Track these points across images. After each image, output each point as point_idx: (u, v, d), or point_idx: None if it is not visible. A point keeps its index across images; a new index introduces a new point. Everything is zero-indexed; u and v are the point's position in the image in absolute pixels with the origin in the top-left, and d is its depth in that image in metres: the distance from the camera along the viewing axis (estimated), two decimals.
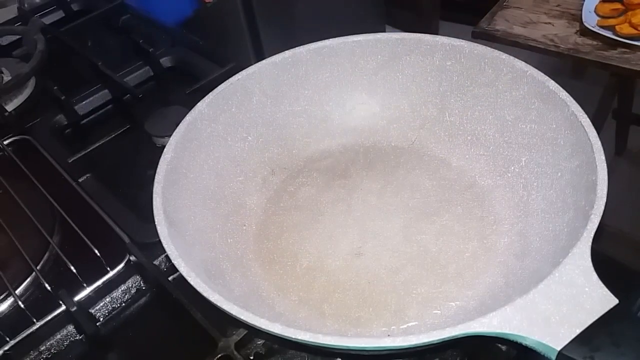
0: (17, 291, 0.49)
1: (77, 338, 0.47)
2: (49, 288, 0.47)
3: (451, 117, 0.53)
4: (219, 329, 0.42)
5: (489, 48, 0.50)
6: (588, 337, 0.32)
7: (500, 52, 0.49)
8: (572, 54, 0.73)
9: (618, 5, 0.75)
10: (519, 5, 0.82)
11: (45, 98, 0.70)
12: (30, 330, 0.45)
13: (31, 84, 0.73)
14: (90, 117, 0.69)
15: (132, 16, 0.82)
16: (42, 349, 0.46)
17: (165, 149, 0.47)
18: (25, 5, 0.87)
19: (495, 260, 0.45)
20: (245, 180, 0.53)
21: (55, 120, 0.67)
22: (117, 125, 0.65)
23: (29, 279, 0.50)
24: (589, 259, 0.35)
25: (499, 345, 0.40)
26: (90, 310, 0.48)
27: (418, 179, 0.52)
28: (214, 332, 0.42)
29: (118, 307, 0.49)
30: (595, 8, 0.76)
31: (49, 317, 0.46)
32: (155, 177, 0.45)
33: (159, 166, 0.45)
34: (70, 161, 0.60)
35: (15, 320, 0.47)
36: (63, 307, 0.46)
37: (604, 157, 0.40)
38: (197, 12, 1.11)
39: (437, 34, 0.52)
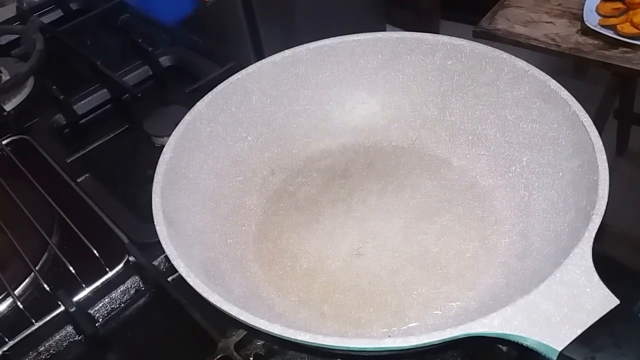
0: (16, 292, 0.49)
1: (76, 339, 0.47)
2: (47, 288, 0.47)
3: (452, 116, 0.53)
4: (219, 330, 0.42)
5: (490, 47, 0.50)
6: (589, 338, 0.32)
7: (501, 51, 0.49)
8: (573, 54, 0.72)
9: (619, 5, 0.75)
10: (520, 5, 0.81)
11: (43, 97, 0.70)
12: (29, 330, 0.45)
13: (30, 83, 0.73)
14: (89, 116, 0.68)
15: (131, 15, 0.82)
16: (41, 349, 0.46)
17: (164, 149, 0.47)
18: (24, 5, 0.87)
19: (496, 261, 0.45)
20: (245, 180, 0.52)
21: (54, 119, 0.67)
22: (116, 125, 0.65)
23: (27, 280, 0.50)
24: (590, 259, 0.35)
25: (500, 346, 0.40)
26: (89, 311, 0.47)
27: (419, 179, 0.52)
28: (214, 333, 0.42)
29: (117, 307, 0.48)
30: (597, 7, 0.76)
31: (48, 318, 0.46)
32: (155, 177, 0.44)
33: (158, 166, 0.45)
34: (69, 161, 0.60)
35: (14, 320, 0.47)
36: (62, 308, 0.46)
37: (605, 157, 0.40)
38: (196, 11, 1.11)
39: (438, 33, 0.52)
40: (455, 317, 0.42)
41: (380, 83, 0.55)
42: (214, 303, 0.36)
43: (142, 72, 0.71)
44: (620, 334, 0.32)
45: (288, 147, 0.55)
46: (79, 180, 0.57)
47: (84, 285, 0.48)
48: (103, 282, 0.48)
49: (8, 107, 0.69)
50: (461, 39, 0.51)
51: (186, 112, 0.49)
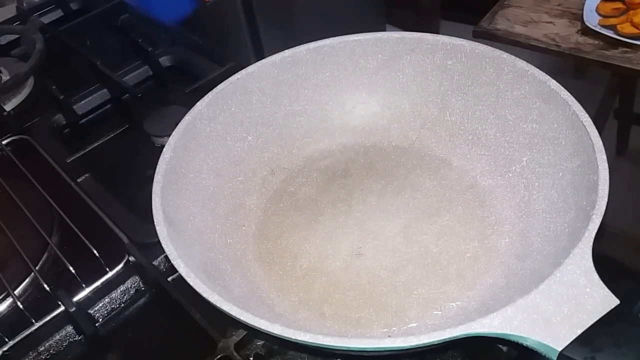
0: (16, 292, 0.49)
1: (76, 339, 0.47)
2: (47, 288, 0.47)
3: (452, 116, 0.53)
4: (219, 330, 0.42)
5: (490, 47, 0.50)
6: (589, 338, 0.32)
7: (501, 51, 0.49)
8: (573, 54, 0.72)
9: (619, 5, 0.75)
10: (520, 5, 0.81)
11: (43, 97, 0.70)
12: (29, 330, 0.45)
13: (30, 83, 0.73)
14: (89, 116, 0.68)
15: (131, 15, 0.82)
16: (41, 349, 0.46)
17: (164, 149, 0.47)
18: (24, 5, 0.87)
19: (496, 261, 0.45)
20: (245, 180, 0.52)
21: (54, 119, 0.67)
22: (116, 125, 0.65)
23: (27, 280, 0.50)
24: (590, 259, 0.35)
25: (500, 346, 0.40)
26: (89, 311, 0.47)
27: (419, 179, 0.52)
28: (214, 333, 0.42)
29: (117, 307, 0.48)
30: (597, 7, 0.76)
31: (48, 318, 0.46)
32: (155, 177, 0.44)
33: (158, 166, 0.45)
34: (69, 161, 0.60)
35: (14, 320, 0.47)
36: (62, 308, 0.46)
37: (605, 157, 0.40)
38: (196, 11, 1.11)
39: (438, 33, 0.52)
40: (455, 317, 0.42)
41: (381, 83, 0.55)
42: (214, 303, 0.36)
43: (142, 72, 0.71)
44: (620, 334, 0.32)
45: (288, 147, 0.55)
46: (79, 180, 0.57)
47: (84, 285, 0.48)
48: (103, 282, 0.48)
49: (8, 107, 0.69)
50: (461, 39, 0.51)
51: (186, 112, 0.49)
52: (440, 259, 0.46)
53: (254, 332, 0.40)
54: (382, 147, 0.55)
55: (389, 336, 0.35)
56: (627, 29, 0.71)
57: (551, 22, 0.77)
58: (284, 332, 0.34)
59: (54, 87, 0.67)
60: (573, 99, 0.44)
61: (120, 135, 0.64)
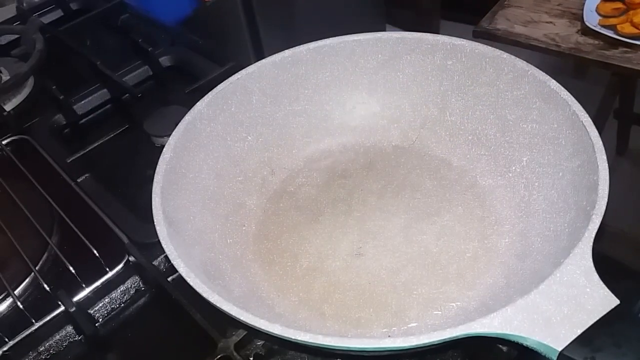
0: (16, 292, 0.49)
1: (76, 339, 0.47)
2: (47, 288, 0.47)
3: (452, 116, 0.53)
4: (219, 330, 0.42)
5: (490, 47, 0.50)
6: (589, 338, 0.32)
7: (501, 51, 0.49)
8: (573, 54, 0.72)
9: (619, 5, 0.75)
10: (520, 5, 0.81)
11: (43, 97, 0.70)
12: (29, 330, 0.45)
13: (30, 83, 0.73)
14: (89, 116, 0.68)
15: (131, 15, 0.82)
16: (41, 349, 0.46)
17: (164, 149, 0.46)
18: (24, 5, 0.87)
19: (496, 261, 0.45)
20: (245, 180, 0.52)
21: (54, 119, 0.67)
22: (116, 125, 0.65)
23: (27, 280, 0.50)
24: (590, 259, 0.35)
25: (500, 346, 0.40)
26: (89, 311, 0.47)
27: (419, 179, 0.52)
28: (214, 333, 0.42)
29: (117, 307, 0.48)
30: (597, 7, 0.76)
31: (48, 318, 0.46)
32: (155, 177, 0.44)
33: (158, 166, 0.45)
34: (69, 161, 0.60)
35: (14, 320, 0.47)
36: (62, 308, 0.46)
37: (605, 157, 0.40)
38: (196, 11, 1.11)
39: (438, 33, 0.52)
40: (455, 317, 0.42)
41: (380, 83, 0.55)
42: (214, 303, 0.36)
43: (142, 72, 0.71)
44: (620, 334, 0.32)
45: (288, 147, 0.55)
46: (79, 180, 0.57)
47: (84, 285, 0.48)
48: (103, 282, 0.48)
49: (8, 107, 0.69)
50: (461, 39, 0.51)
51: (186, 112, 0.49)
52: (440, 259, 0.46)
53: (254, 332, 0.40)
54: (382, 147, 0.55)
55: (389, 336, 0.35)
56: (627, 29, 0.71)
57: (551, 22, 0.77)
58: (284, 332, 0.34)
59: (54, 87, 0.67)
60: (573, 99, 0.44)
61: (120, 135, 0.64)
